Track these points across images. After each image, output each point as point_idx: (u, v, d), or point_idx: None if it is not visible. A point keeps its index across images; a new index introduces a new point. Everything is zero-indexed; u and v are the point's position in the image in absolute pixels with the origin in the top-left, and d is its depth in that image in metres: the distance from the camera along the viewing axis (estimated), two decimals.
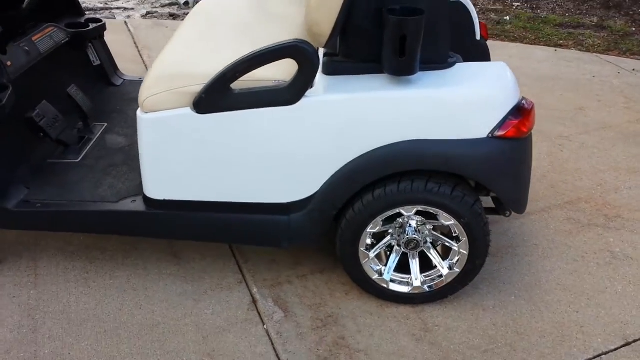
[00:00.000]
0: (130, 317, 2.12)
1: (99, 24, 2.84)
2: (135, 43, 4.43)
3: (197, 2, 2.49)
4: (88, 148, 2.48)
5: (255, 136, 1.96)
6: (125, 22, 4.89)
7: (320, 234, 2.11)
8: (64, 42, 2.64)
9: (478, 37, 2.73)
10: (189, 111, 1.93)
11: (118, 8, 5.47)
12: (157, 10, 5.24)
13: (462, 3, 2.66)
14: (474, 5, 3.48)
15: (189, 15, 2.59)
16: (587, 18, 5.51)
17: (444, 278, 2.17)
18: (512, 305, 2.22)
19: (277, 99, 1.89)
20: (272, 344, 2.03)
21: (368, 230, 2.07)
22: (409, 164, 1.95)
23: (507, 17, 5.50)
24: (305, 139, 1.95)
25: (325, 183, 2.01)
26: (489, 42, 2.70)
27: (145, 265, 2.36)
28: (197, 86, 1.91)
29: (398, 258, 2.17)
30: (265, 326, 2.10)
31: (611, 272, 2.39)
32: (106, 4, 5.57)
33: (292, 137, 1.95)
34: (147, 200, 2.10)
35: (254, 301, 2.21)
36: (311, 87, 1.91)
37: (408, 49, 1.79)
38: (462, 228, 2.04)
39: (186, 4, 2.46)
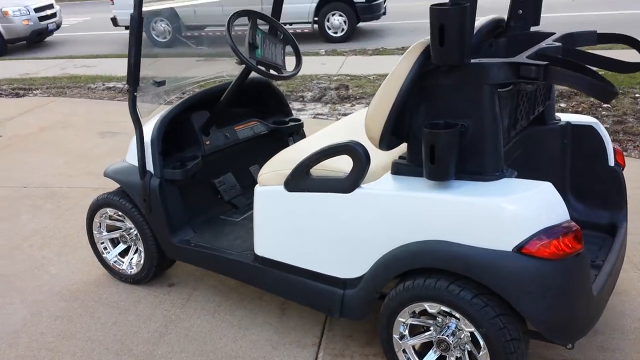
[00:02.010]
0: (224, 346, 2.68)
1: (297, 122, 3.62)
2: None
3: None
4: (250, 212, 3.20)
5: (323, 215, 2.39)
6: None
7: (365, 312, 2.37)
8: (262, 134, 3.47)
9: (611, 163, 2.66)
10: (281, 189, 2.48)
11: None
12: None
13: (593, 127, 2.66)
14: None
15: (341, 119, 3.18)
16: None
17: None
18: None
19: (338, 187, 2.31)
20: None
21: (399, 319, 2.25)
22: (433, 262, 2.12)
23: None
24: (357, 223, 2.30)
25: (372, 266, 2.29)
26: None
27: (257, 312, 2.91)
28: (291, 170, 2.46)
29: (436, 357, 2.26)
30: None
31: None
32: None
33: (348, 220, 2.32)
34: (254, 255, 2.68)
35: None
36: (373, 181, 2.27)
37: (437, 157, 2.03)
38: (481, 338, 2.07)
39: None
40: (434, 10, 1.91)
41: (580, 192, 2.77)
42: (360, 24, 11.17)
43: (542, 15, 2.69)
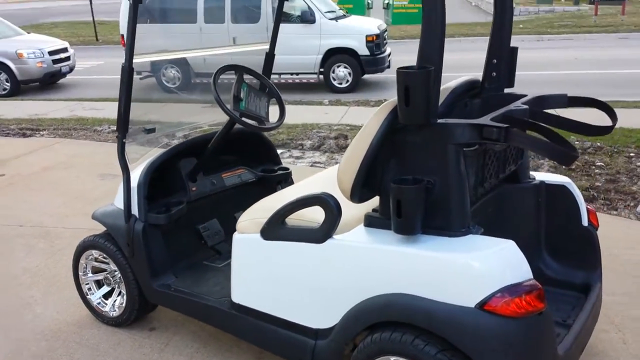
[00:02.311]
0: None
1: (285, 171, 3.70)
2: None
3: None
4: None
5: (296, 264, 2.44)
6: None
7: None
8: (250, 182, 3.56)
9: (585, 223, 2.71)
10: (258, 237, 2.54)
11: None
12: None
13: (566, 187, 2.72)
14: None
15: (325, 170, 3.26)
16: None
17: None
18: None
19: (311, 237, 2.37)
20: None
21: None
22: (398, 315, 2.15)
23: None
24: (328, 274, 2.35)
25: (342, 317, 2.33)
26: None
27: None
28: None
29: None
30: None
31: None
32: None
33: (320, 270, 2.37)
34: (231, 302, 2.72)
35: None
36: (346, 232, 2.33)
37: (404, 212, 2.10)
38: None
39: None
40: (400, 72, 2.02)
41: (555, 251, 2.81)
42: (365, 76, 11.41)
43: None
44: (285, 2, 12.27)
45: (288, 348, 2.54)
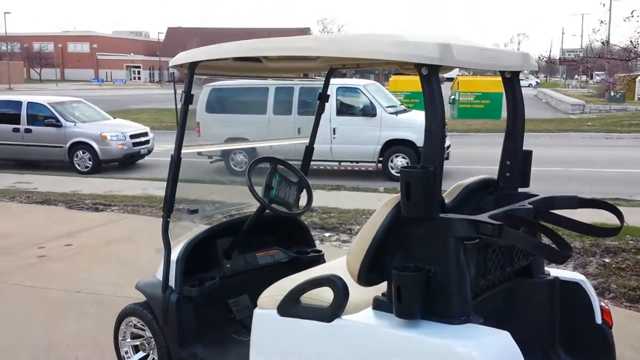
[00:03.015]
0: None
1: (318, 253, 3.91)
2: None
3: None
4: None
5: (307, 341, 2.60)
6: None
7: None
8: (282, 261, 3.78)
9: (598, 321, 2.74)
10: (275, 313, 2.74)
11: None
12: None
13: (579, 284, 2.80)
14: None
15: None
16: None
17: None
18: None
19: (321, 316, 2.55)
20: None
21: None
22: None
23: None
24: (335, 351, 2.49)
25: None
26: None
27: None
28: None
29: None
30: None
31: None
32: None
33: (327, 347, 2.52)
34: None
35: None
36: (355, 313, 2.50)
37: (403, 297, 2.26)
38: None
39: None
40: (403, 171, 2.26)
41: (569, 346, 2.83)
42: None
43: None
44: (350, 97, 12.91)
45: None
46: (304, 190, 3.53)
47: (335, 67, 3.81)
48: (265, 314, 2.80)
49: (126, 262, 5.90)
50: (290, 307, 2.68)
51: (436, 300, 2.30)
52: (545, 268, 2.91)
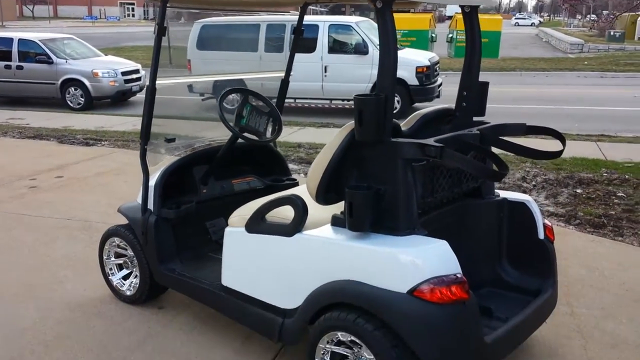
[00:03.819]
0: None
1: (293, 181, 4.10)
2: None
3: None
4: None
5: (271, 254, 2.83)
6: None
7: (298, 338, 2.74)
8: (258, 189, 3.98)
9: (541, 237, 2.96)
10: (243, 230, 2.95)
11: None
12: None
13: (525, 204, 3.00)
14: None
15: None
16: None
17: None
18: None
19: (283, 231, 2.76)
20: None
21: (320, 345, 2.60)
22: (345, 298, 2.50)
23: None
24: (295, 262, 2.72)
25: (304, 300, 2.69)
26: None
27: (225, 336, 3.31)
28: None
29: None
30: None
31: None
32: None
33: (288, 259, 2.75)
34: (220, 285, 3.12)
35: None
36: (314, 229, 2.71)
37: (354, 212, 2.46)
38: None
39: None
40: (356, 99, 2.43)
41: (514, 260, 3.07)
42: (416, 104, 11.73)
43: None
44: (342, 35, 12.79)
45: (262, 325, 2.92)
46: (276, 121, 3.67)
47: (309, 2, 3.89)
48: (234, 232, 3.01)
49: (115, 192, 6.10)
50: (257, 224, 2.89)
51: (385, 215, 2.50)
52: (496, 190, 3.11)
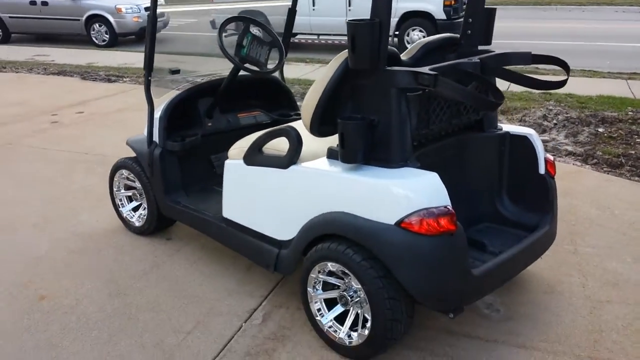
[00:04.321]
0: (190, 287, 3.20)
1: (299, 116, 4.07)
2: None
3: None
4: None
5: (267, 186, 2.86)
6: None
7: (293, 268, 2.80)
8: (264, 123, 3.98)
9: (542, 172, 2.92)
10: (242, 162, 2.98)
11: None
12: None
13: (528, 138, 2.94)
14: None
15: None
16: None
17: (355, 340, 2.55)
18: None
19: (278, 163, 2.78)
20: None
21: (312, 275, 2.66)
22: (335, 229, 2.52)
23: None
24: (289, 194, 2.75)
25: (299, 231, 2.73)
26: None
27: (229, 267, 3.41)
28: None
29: (341, 310, 2.65)
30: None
31: None
32: None
33: (284, 191, 2.78)
34: (221, 217, 3.19)
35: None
36: (308, 162, 2.72)
37: (346, 143, 2.45)
38: (365, 295, 2.45)
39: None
40: (349, 24, 2.35)
41: (514, 194, 3.04)
42: None
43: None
44: None
45: (259, 255, 2.98)
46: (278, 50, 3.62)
47: None
48: (233, 164, 3.04)
49: (134, 128, 6.13)
50: (254, 157, 2.91)
51: (378, 147, 2.49)
52: (499, 124, 3.05)
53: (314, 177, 2.64)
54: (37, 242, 3.78)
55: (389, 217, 2.36)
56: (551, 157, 2.99)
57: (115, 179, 3.87)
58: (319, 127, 2.62)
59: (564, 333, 2.78)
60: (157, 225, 3.73)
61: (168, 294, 3.16)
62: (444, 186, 2.39)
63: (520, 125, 5.73)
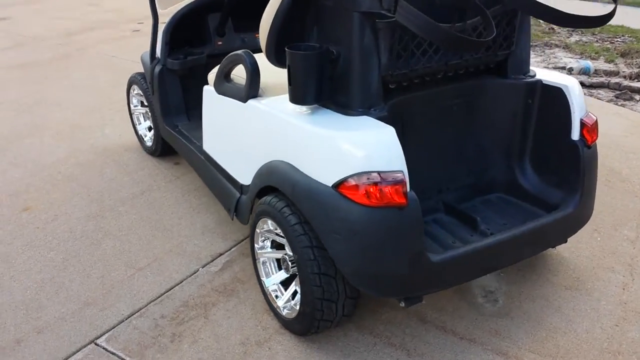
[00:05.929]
0: (169, 219, 2.96)
1: None
2: None
3: None
4: None
5: (231, 119, 2.47)
6: None
7: (247, 219, 2.43)
8: None
9: (575, 137, 2.23)
10: (212, 88, 2.60)
11: None
12: None
13: (562, 90, 2.25)
14: None
15: None
16: None
17: (286, 312, 2.18)
18: None
19: (239, 95, 2.37)
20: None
21: (257, 230, 2.27)
22: (273, 180, 2.10)
23: None
24: (248, 132, 2.34)
25: (253, 177, 2.33)
26: None
27: (218, 205, 3.12)
28: None
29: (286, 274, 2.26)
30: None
31: None
32: None
33: (242, 128, 2.38)
34: (201, 149, 2.86)
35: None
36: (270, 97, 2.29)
37: (292, 79, 1.96)
38: (295, 264, 2.03)
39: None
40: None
41: (539, 163, 2.38)
42: None
43: None
44: None
45: (224, 197, 2.64)
46: None
47: None
48: (208, 90, 2.67)
49: None
50: (221, 85, 2.52)
51: (338, 87, 1.98)
52: (532, 69, 2.35)
53: (266, 117, 2.20)
54: (53, 150, 3.73)
55: (327, 178, 1.88)
56: (593, 118, 2.26)
57: (131, 93, 3.68)
58: (276, 55, 2.12)
59: (566, 346, 2.18)
60: (162, 148, 3.51)
61: (143, 223, 2.95)
62: (399, 145, 1.84)
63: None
